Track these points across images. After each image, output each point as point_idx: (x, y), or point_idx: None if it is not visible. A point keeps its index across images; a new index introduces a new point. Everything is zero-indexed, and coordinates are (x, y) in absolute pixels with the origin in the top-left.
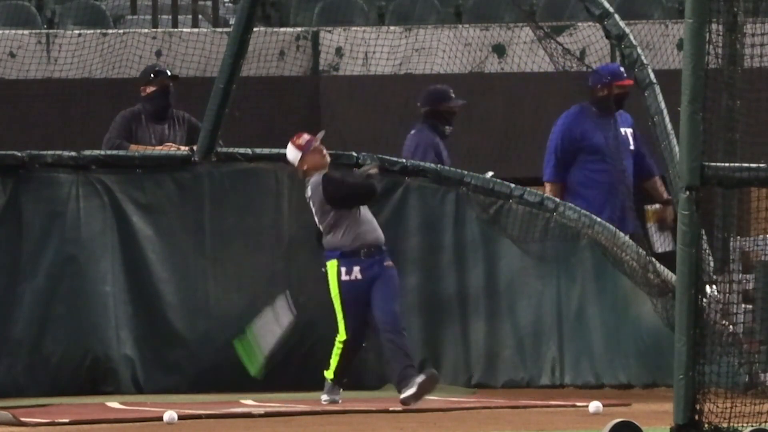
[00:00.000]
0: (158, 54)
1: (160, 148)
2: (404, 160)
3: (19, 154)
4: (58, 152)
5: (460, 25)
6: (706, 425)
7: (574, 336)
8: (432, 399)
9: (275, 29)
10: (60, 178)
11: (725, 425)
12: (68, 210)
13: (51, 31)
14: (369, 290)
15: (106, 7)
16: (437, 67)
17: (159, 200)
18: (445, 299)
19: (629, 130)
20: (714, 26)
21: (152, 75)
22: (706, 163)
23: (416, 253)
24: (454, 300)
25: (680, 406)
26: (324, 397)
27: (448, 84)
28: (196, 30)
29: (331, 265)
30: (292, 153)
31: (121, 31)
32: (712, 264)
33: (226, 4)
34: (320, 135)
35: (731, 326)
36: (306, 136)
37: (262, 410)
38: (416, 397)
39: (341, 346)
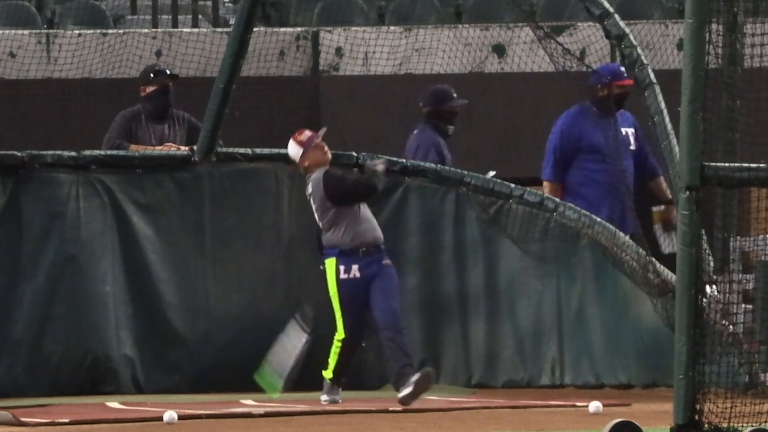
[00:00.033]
0: (158, 54)
1: (160, 148)
2: (404, 160)
3: (19, 154)
4: (58, 152)
5: (460, 25)
6: (706, 425)
7: (574, 336)
8: (432, 399)
9: (275, 29)
10: (60, 178)
11: (725, 425)
12: (68, 210)
13: (51, 31)
14: (367, 289)
15: (106, 7)
16: (437, 67)
17: (159, 200)
18: (445, 299)
19: (630, 130)
20: (714, 26)
21: (152, 75)
22: (706, 163)
23: (416, 253)
24: (454, 300)
25: (680, 406)
26: (324, 397)
27: (449, 84)
28: (196, 30)
29: (330, 263)
30: (293, 149)
31: (121, 31)
32: (712, 264)
33: (226, 4)
34: (322, 132)
35: (731, 326)
36: (308, 133)
37: (262, 410)
38: (413, 396)
39: (340, 345)
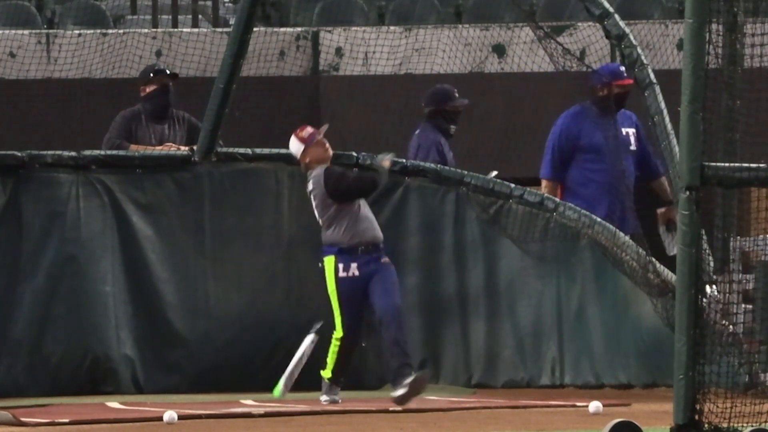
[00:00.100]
0: (158, 54)
1: (160, 148)
2: (404, 160)
3: (19, 154)
4: (58, 152)
5: (460, 25)
6: (706, 425)
7: (574, 336)
8: (432, 399)
9: (275, 29)
10: (60, 178)
11: (725, 425)
12: (68, 210)
13: (51, 31)
14: (366, 287)
15: (106, 7)
16: (437, 67)
17: (159, 200)
18: (445, 299)
19: (631, 130)
20: (714, 26)
21: (152, 74)
22: (706, 163)
23: (416, 253)
24: (454, 300)
25: (680, 406)
26: (323, 397)
27: (449, 84)
28: (196, 30)
29: (329, 261)
30: (294, 146)
31: (121, 31)
32: (712, 264)
33: (226, 4)
34: (323, 128)
35: (731, 326)
36: (309, 129)
37: (262, 410)
38: (407, 397)
39: (338, 343)
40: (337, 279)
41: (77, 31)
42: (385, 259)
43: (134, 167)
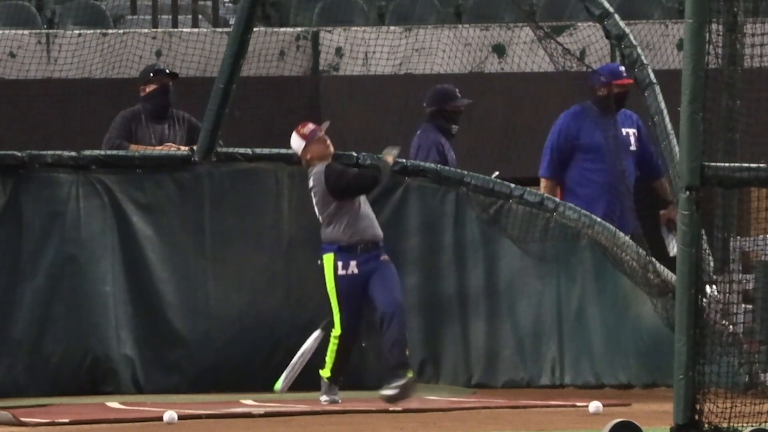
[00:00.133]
0: (158, 54)
1: (160, 148)
2: (404, 160)
3: (19, 154)
4: (58, 152)
5: (460, 25)
6: (706, 425)
7: (574, 336)
8: (432, 399)
9: (275, 29)
10: (60, 178)
11: (725, 425)
12: (68, 210)
13: (51, 31)
14: (365, 285)
15: (106, 7)
16: (437, 67)
17: (159, 200)
18: (445, 299)
19: (632, 131)
20: (714, 26)
21: (152, 74)
22: (706, 163)
23: (416, 253)
24: (454, 300)
25: (680, 406)
26: (323, 397)
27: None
28: (196, 30)
29: (328, 259)
30: (296, 142)
31: (121, 31)
32: (712, 264)
33: (226, 4)
34: (325, 125)
35: (731, 326)
36: (310, 126)
37: (262, 410)
38: (395, 399)
39: (337, 342)
40: (336, 277)
41: (77, 31)
42: (385, 257)
43: (134, 167)
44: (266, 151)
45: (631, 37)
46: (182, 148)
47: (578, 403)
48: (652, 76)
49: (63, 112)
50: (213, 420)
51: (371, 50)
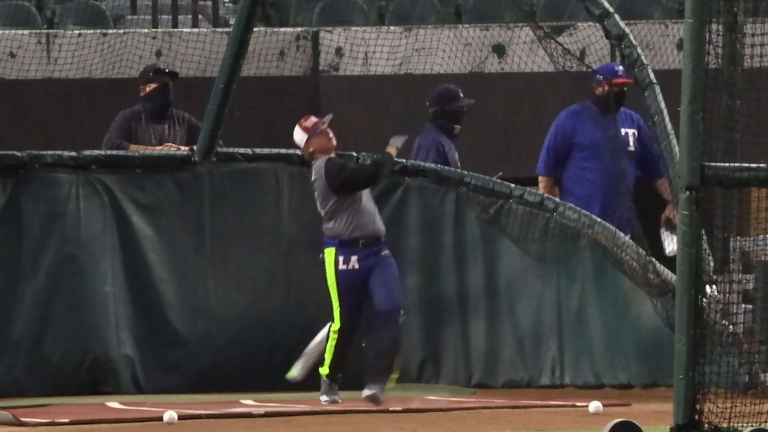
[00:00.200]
0: (158, 54)
1: (160, 148)
2: (404, 160)
3: (19, 154)
4: (58, 152)
5: (460, 25)
6: (706, 425)
7: (574, 336)
8: (432, 399)
9: (275, 29)
10: (60, 178)
11: (725, 425)
12: (68, 210)
13: (51, 31)
14: (366, 280)
15: (106, 7)
16: (437, 67)
17: (159, 200)
18: (445, 299)
19: (632, 131)
20: (714, 26)
21: (152, 74)
22: (706, 163)
23: (416, 253)
24: (454, 300)
25: (680, 406)
26: (323, 397)
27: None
28: (196, 30)
29: (329, 253)
30: (298, 135)
31: (121, 31)
32: (712, 264)
33: (226, 4)
34: (327, 118)
35: (731, 326)
36: (313, 119)
37: (262, 410)
38: (377, 401)
39: (335, 336)
40: (337, 271)
41: (77, 31)
42: (386, 252)
43: (134, 167)
44: (266, 151)
45: (631, 37)
46: (182, 148)
47: (578, 403)
48: (652, 76)
49: (63, 112)
50: (213, 420)
51: (371, 50)
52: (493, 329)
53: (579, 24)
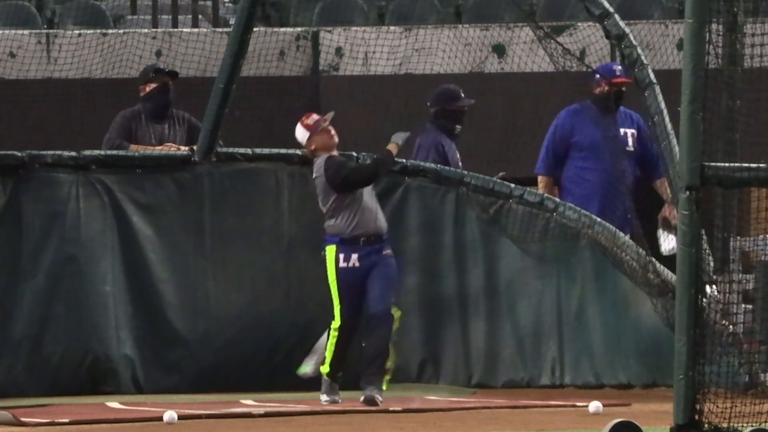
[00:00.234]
0: (158, 54)
1: (160, 148)
2: (404, 160)
3: (19, 154)
4: (58, 152)
5: (460, 25)
6: (706, 425)
7: (574, 336)
8: (432, 399)
9: (275, 29)
10: (60, 178)
11: (725, 425)
12: (68, 210)
13: (51, 31)
14: (366, 278)
15: (106, 7)
16: (437, 67)
17: (159, 200)
18: (445, 299)
19: (631, 131)
20: (714, 26)
21: (152, 73)
22: (706, 163)
23: (416, 253)
24: (454, 300)
25: (680, 406)
26: (324, 397)
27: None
28: (196, 30)
29: (330, 251)
30: (300, 133)
31: (121, 31)
32: (712, 264)
33: (226, 4)
34: (329, 115)
35: (731, 326)
36: (315, 116)
37: (262, 410)
38: (377, 402)
39: (336, 334)
40: (338, 269)
41: (77, 31)
42: (388, 251)
43: (134, 167)
44: (266, 151)
45: (631, 37)
46: (182, 148)
47: (578, 403)
48: (652, 76)
49: (63, 112)
50: (213, 420)
51: (371, 50)
52: (493, 329)
53: (579, 24)
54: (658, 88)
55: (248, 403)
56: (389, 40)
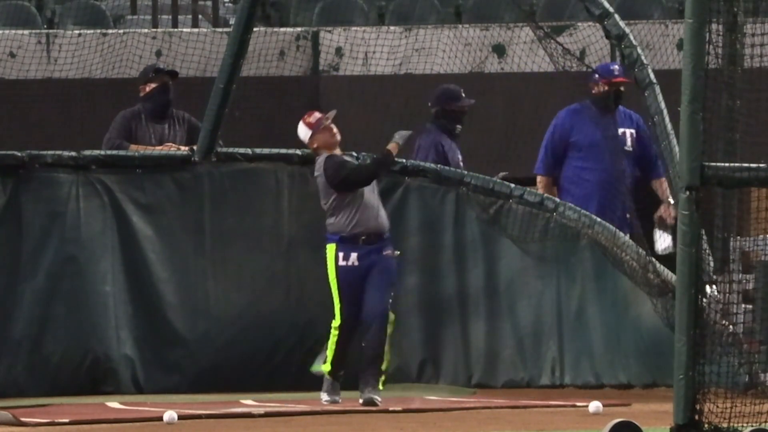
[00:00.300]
0: (158, 54)
1: (160, 148)
2: (404, 160)
3: (19, 154)
4: (58, 152)
5: (460, 25)
6: (706, 425)
7: (574, 336)
8: (432, 399)
9: (275, 29)
10: (60, 178)
11: (725, 425)
12: (68, 210)
13: (51, 31)
14: (365, 277)
15: (106, 7)
16: (437, 67)
17: (159, 200)
18: (445, 299)
19: (630, 131)
20: (714, 26)
21: (152, 73)
22: (706, 163)
23: (416, 253)
24: (454, 300)
25: (680, 406)
26: (324, 396)
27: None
28: (196, 30)
29: (330, 249)
30: (302, 131)
31: (121, 31)
32: (712, 264)
33: (226, 4)
34: (331, 113)
35: (731, 326)
36: (317, 114)
37: (262, 410)
38: (376, 403)
39: (336, 332)
40: (337, 267)
41: (77, 31)
42: (388, 252)
43: (134, 167)
44: (266, 151)
45: (631, 37)
46: (182, 148)
47: (578, 403)
48: (652, 76)
49: (63, 112)
50: (213, 420)
51: (371, 50)
52: (493, 329)
53: (579, 24)
54: (658, 88)
55: (248, 403)
56: (389, 40)
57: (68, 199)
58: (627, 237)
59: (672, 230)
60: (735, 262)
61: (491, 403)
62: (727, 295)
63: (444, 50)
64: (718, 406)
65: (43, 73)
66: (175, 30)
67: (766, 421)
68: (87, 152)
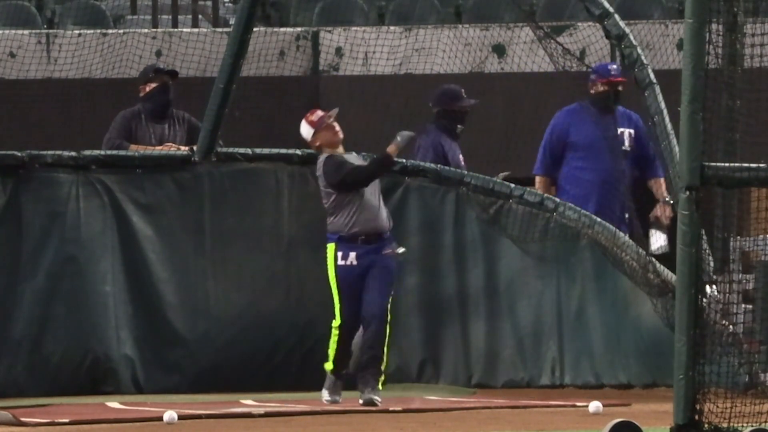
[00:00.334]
0: (158, 54)
1: (160, 148)
2: (404, 160)
3: (19, 154)
4: (58, 152)
5: (460, 25)
6: (706, 425)
7: (574, 336)
8: (432, 399)
9: (275, 29)
10: (60, 178)
11: (725, 425)
12: (68, 210)
13: (51, 31)
14: (364, 276)
15: (106, 7)
16: (437, 67)
17: (159, 200)
18: (445, 299)
19: (628, 131)
20: (714, 26)
21: (152, 73)
22: (706, 163)
23: (416, 253)
24: (454, 300)
25: (680, 406)
26: (325, 394)
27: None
28: (196, 30)
29: (330, 248)
30: (305, 129)
31: (121, 31)
32: (712, 264)
33: (226, 4)
34: (334, 112)
35: (731, 326)
36: (319, 113)
37: (262, 410)
38: (376, 403)
39: (337, 332)
40: (336, 267)
41: (77, 31)
42: (387, 251)
43: (134, 167)
44: (266, 151)
45: (631, 37)
46: (182, 148)
47: (578, 403)
48: (652, 76)
49: (63, 112)
50: (213, 420)
51: (371, 50)
52: (493, 329)
53: (579, 24)
54: (658, 88)
55: (248, 403)
56: (389, 40)
57: (68, 199)
58: (626, 237)
59: (667, 230)
60: (735, 262)
61: (491, 403)
62: (727, 295)
63: (444, 50)
64: (718, 406)
65: (43, 73)
66: (175, 30)
67: (766, 421)
68: (87, 152)
